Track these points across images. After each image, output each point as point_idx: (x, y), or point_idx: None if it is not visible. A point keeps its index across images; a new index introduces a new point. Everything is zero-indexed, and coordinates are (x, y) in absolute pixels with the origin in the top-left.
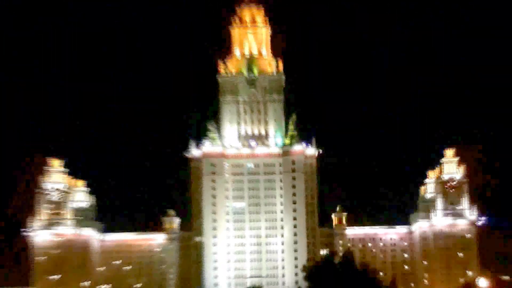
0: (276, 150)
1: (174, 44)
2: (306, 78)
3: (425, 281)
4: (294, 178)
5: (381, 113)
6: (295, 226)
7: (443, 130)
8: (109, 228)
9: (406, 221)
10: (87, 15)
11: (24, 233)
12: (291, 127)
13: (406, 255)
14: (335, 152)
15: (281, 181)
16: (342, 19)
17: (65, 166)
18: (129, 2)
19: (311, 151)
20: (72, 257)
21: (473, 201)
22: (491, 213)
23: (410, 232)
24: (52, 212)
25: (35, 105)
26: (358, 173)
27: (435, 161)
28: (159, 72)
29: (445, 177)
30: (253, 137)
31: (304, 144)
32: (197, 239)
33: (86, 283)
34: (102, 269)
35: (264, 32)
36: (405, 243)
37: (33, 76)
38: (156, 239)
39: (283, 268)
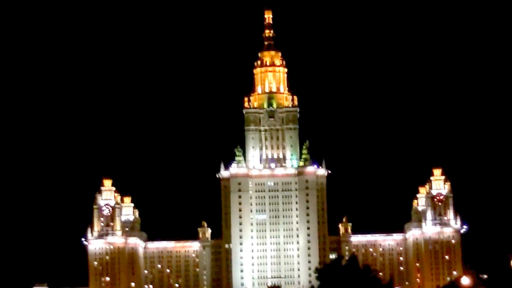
0: (292, 171)
1: (210, 83)
2: (317, 111)
3: (418, 279)
4: (307, 194)
5: (379, 138)
6: (308, 235)
7: (432, 152)
8: (152, 237)
9: (401, 230)
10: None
11: (83, 242)
12: (304, 151)
13: (401, 258)
14: (342, 172)
15: (296, 196)
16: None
17: (114, 185)
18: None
19: (322, 171)
20: (121, 262)
21: (457, 212)
22: (472, 222)
23: (405, 239)
24: (105, 224)
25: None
26: (361, 189)
27: (425, 178)
28: (199, 108)
29: (434, 192)
30: (272, 160)
31: (315, 166)
32: (226, 246)
33: (133, 284)
34: (146, 272)
35: (281, 71)
36: (401, 248)
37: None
38: (192, 246)
39: (298, 270)
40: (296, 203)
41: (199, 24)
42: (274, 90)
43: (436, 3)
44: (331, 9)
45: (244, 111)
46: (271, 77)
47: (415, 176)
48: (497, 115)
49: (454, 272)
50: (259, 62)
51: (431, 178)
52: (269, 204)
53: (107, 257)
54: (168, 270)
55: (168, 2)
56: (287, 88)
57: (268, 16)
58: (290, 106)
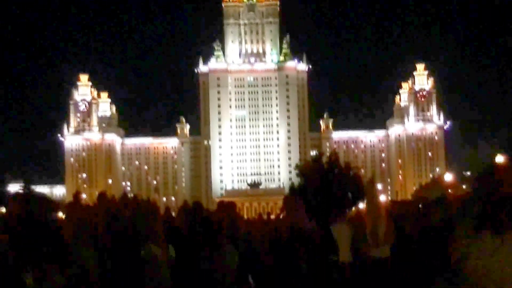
0: (272, 66)
1: None
2: (299, 4)
3: (400, 177)
4: (287, 90)
5: (362, 32)
6: (288, 131)
7: (416, 46)
8: (129, 133)
9: (383, 126)
10: None
11: (58, 138)
12: (284, 46)
13: (383, 155)
14: (324, 67)
15: (276, 92)
16: None
17: (91, 80)
18: None
19: (302, 66)
20: (98, 159)
21: (440, 108)
22: (455, 119)
23: (387, 135)
24: (81, 120)
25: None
26: (343, 85)
27: (408, 74)
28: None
29: (417, 88)
30: (252, 54)
31: (296, 61)
32: (205, 142)
33: (110, 181)
34: (123, 169)
35: None
36: (383, 145)
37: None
38: (170, 143)
39: (278, 166)
40: (276, 98)
41: None
42: None
43: None
44: None
45: (223, 4)
46: None
47: (399, 71)
48: (482, 9)
49: (437, 169)
50: None
51: (414, 73)
52: (249, 99)
53: (84, 154)
54: (146, 167)
55: None
56: None
57: None
58: None
